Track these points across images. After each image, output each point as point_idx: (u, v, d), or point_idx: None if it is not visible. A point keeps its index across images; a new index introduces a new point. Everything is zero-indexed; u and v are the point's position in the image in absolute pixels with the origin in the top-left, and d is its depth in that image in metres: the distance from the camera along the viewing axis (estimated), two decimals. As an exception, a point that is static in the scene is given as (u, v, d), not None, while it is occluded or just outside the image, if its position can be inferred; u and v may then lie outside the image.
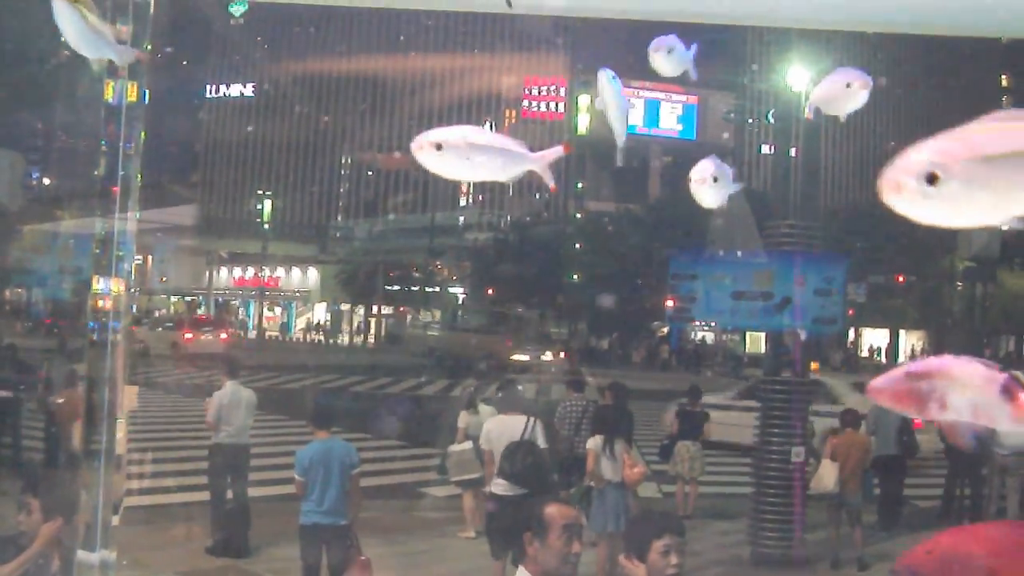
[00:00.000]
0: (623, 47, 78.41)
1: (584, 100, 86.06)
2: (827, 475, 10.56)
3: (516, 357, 37.16)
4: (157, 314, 50.71)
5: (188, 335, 39.11)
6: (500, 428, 8.82)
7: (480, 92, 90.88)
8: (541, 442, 8.70)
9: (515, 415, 8.98)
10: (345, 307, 68.34)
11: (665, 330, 53.25)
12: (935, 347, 49.19)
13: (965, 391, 1.78)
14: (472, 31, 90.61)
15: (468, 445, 10.60)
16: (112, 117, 4.23)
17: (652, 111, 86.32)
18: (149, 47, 4.26)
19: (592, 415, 10.48)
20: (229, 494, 10.54)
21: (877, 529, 11.86)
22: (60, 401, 11.99)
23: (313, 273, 71.17)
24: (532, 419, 8.84)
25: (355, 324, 67.68)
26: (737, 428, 16.22)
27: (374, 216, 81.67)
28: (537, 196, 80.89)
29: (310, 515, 7.73)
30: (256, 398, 10.86)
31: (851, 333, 56.26)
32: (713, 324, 45.28)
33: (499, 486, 8.32)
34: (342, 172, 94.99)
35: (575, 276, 54.64)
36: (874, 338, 60.44)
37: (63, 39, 3.00)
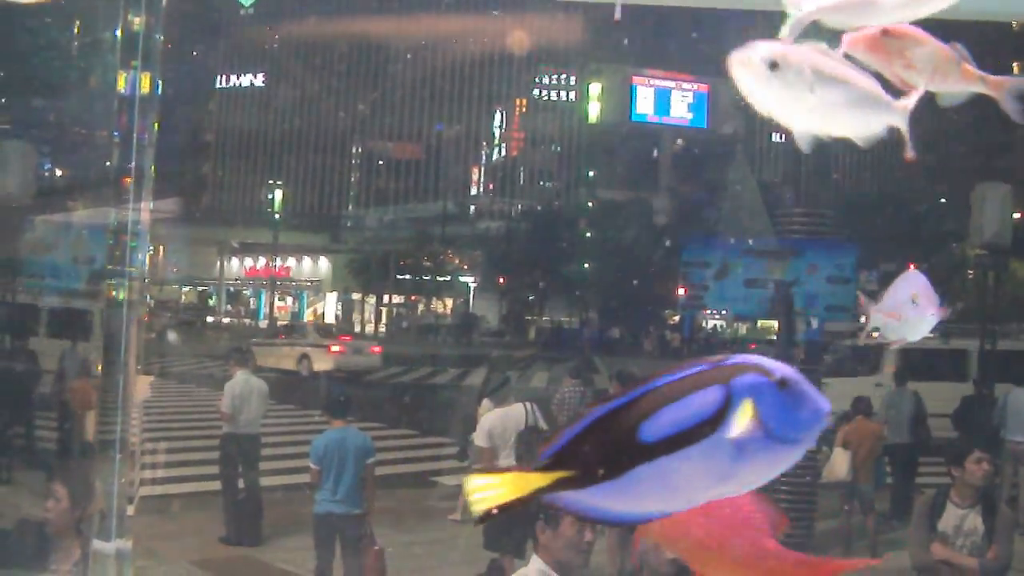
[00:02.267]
0: (636, 35, 78.26)
1: (595, 88, 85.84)
2: (839, 463, 10.51)
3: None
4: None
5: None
6: (503, 422, 8.35)
7: (492, 79, 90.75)
8: (543, 426, 8.55)
9: (511, 406, 8.67)
10: (356, 296, 68.28)
11: (677, 318, 53.17)
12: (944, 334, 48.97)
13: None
14: (484, 17, 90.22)
15: None
16: (125, 108, 4.23)
17: (663, 99, 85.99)
18: (162, 38, 4.26)
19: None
20: (241, 483, 10.58)
21: (889, 517, 11.80)
22: (73, 389, 12.04)
23: (324, 262, 71.06)
24: (530, 404, 8.64)
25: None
26: (275, 358, 27.25)
27: (385, 205, 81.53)
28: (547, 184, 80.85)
29: (324, 504, 7.75)
30: (267, 388, 10.89)
31: (862, 320, 55.98)
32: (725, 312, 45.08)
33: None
34: (353, 161, 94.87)
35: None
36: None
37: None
